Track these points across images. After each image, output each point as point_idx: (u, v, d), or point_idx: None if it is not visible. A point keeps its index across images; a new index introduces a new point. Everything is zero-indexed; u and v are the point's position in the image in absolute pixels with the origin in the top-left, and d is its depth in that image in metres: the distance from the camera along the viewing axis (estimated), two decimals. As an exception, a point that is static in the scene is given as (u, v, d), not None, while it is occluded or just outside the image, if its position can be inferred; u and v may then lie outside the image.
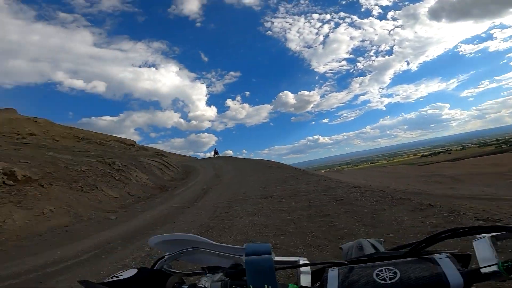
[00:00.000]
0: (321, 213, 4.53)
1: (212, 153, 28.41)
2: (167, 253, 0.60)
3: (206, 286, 0.50)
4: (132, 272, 0.53)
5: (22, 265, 3.78)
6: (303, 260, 0.55)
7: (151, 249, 3.97)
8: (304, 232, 3.83)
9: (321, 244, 3.37)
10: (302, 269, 0.54)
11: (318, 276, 0.52)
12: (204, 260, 0.59)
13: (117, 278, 0.51)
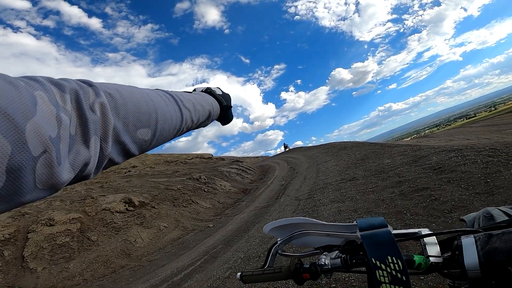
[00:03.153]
0: (417, 188, 4.05)
1: (282, 148, 28.79)
2: (279, 239, 0.66)
3: (326, 263, 0.53)
4: None
5: (156, 277, 4.64)
6: (425, 231, 0.53)
7: (248, 250, 4.30)
8: (400, 211, 3.51)
9: (424, 221, 3.02)
10: (426, 240, 0.52)
11: (448, 246, 0.50)
12: (314, 242, 0.62)
13: None
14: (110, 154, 0.32)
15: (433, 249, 0.50)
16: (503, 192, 2.99)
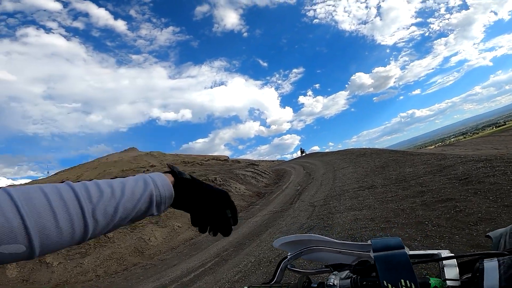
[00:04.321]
0: (441, 198, 3.82)
1: (299, 152, 28.47)
2: (289, 253, 0.64)
3: (334, 283, 0.50)
4: None
5: (166, 276, 4.69)
6: (445, 253, 0.50)
7: (259, 255, 4.23)
8: (421, 221, 3.32)
9: (447, 233, 2.84)
10: (446, 262, 0.49)
11: (467, 269, 0.48)
12: (325, 258, 0.61)
13: None
14: None
15: (451, 271, 0.48)
16: (536, 206, 2.77)
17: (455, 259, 0.49)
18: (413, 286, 0.43)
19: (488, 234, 0.63)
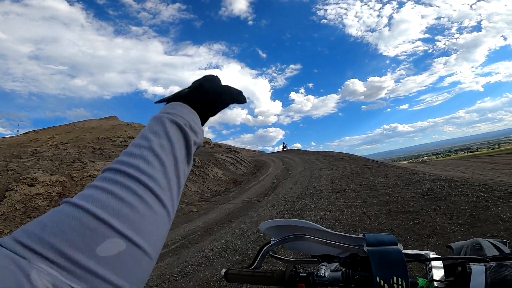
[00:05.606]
0: (403, 210, 4.05)
1: (281, 147, 28.82)
2: (272, 239, 0.62)
3: (325, 275, 0.49)
4: None
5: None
6: (432, 254, 0.52)
7: (226, 242, 4.28)
8: (382, 229, 3.51)
9: (402, 242, 2.99)
10: (433, 263, 0.51)
11: (451, 272, 0.49)
12: (309, 248, 0.59)
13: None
14: None
15: (438, 273, 0.49)
16: (485, 226, 3.03)
17: (441, 261, 0.51)
18: (404, 284, 0.43)
19: (449, 245, 0.68)
